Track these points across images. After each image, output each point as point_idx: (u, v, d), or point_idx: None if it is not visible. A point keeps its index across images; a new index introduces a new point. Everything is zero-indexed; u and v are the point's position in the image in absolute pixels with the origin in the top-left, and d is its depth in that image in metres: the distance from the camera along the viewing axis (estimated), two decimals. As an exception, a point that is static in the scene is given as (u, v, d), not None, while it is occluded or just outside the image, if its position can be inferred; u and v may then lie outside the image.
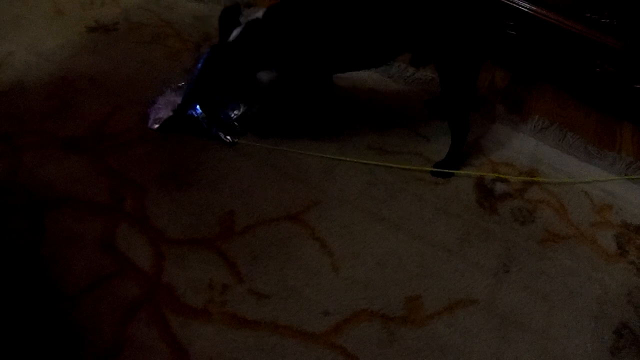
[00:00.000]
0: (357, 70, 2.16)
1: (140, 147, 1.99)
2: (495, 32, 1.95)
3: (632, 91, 2.30)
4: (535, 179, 2.09)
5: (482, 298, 1.76)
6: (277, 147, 2.03)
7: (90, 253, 1.71)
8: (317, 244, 1.80)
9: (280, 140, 2.06)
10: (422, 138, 2.16)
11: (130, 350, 1.53)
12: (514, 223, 1.95)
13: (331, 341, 1.61)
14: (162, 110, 2.05)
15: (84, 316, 1.58)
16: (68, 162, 1.92)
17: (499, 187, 2.05)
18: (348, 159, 2.03)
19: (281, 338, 1.60)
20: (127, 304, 1.61)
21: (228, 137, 2.03)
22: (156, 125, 2.03)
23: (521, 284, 1.81)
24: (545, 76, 2.49)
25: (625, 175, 2.17)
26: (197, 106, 2.01)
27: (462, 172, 2.06)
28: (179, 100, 2.05)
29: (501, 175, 2.07)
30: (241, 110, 2.03)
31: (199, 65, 2.01)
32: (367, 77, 2.33)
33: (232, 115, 2.03)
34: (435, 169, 2.04)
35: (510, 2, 2.32)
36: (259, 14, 1.86)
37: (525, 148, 2.20)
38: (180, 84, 2.10)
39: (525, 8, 2.31)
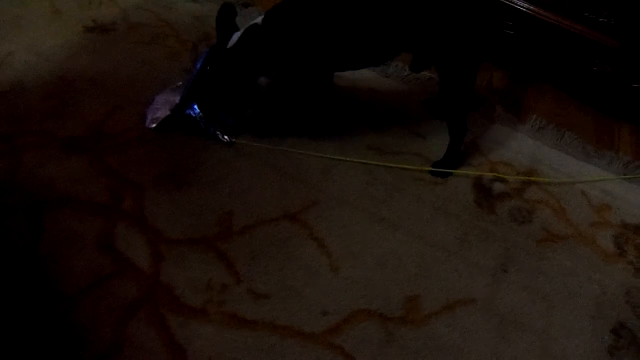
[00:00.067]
0: (357, 69, 2.16)
1: (139, 147, 1.99)
2: (493, 32, 1.95)
3: (630, 91, 2.30)
4: (533, 178, 2.09)
5: (480, 298, 1.76)
6: (276, 147, 2.04)
7: (90, 253, 1.71)
8: (316, 244, 1.81)
9: (279, 140, 2.06)
10: (421, 138, 2.17)
11: (129, 350, 1.53)
12: (512, 223, 1.96)
13: (330, 341, 1.61)
14: (160, 110, 2.05)
15: (83, 316, 1.58)
16: (67, 162, 1.92)
17: (498, 187, 2.05)
18: (347, 158, 2.03)
19: (280, 338, 1.60)
20: (126, 303, 1.62)
21: (226, 137, 2.03)
22: (154, 125, 2.03)
23: (520, 284, 1.81)
24: (544, 76, 2.49)
25: (624, 174, 2.17)
26: (195, 106, 2.01)
27: (460, 171, 2.07)
28: (176, 99, 2.05)
29: (499, 175, 2.08)
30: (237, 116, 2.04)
31: (198, 65, 2.02)
32: (366, 76, 2.33)
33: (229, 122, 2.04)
34: (434, 169, 2.04)
35: (509, 1, 2.32)
36: (258, 19, 1.86)
37: (524, 148, 2.20)
38: (178, 84, 2.10)
39: (524, 8, 2.31)
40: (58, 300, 1.60)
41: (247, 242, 1.78)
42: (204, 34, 2.40)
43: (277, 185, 1.94)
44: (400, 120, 2.21)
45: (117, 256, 1.71)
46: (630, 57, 2.22)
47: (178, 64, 2.28)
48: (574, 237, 1.95)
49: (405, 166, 2.04)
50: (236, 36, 1.87)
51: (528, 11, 2.31)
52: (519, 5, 2.31)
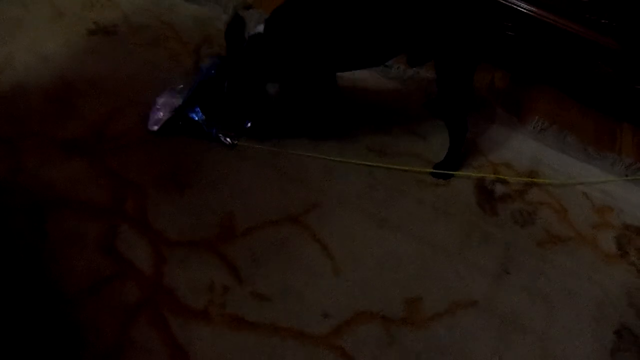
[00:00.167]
0: (358, 69, 2.16)
1: (140, 149, 1.99)
2: (490, 31, 1.95)
3: (632, 92, 2.30)
4: (535, 180, 2.09)
5: (482, 299, 1.76)
6: (277, 149, 2.03)
7: (91, 254, 1.71)
8: (318, 245, 1.81)
9: (280, 142, 2.06)
10: (422, 139, 2.16)
11: (130, 352, 1.53)
12: (514, 224, 1.96)
13: (331, 343, 1.61)
14: (162, 112, 2.05)
15: (85, 317, 1.59)
16: (68, 164, 1.92)
17: (499, 189, 2.05)
18: (348, 160, 2.03)
19: (281, 340, 1.60)
20: (128, 305, 1.62)
21: (228, 139, 2.03)
22: (155, 127, 2.03)
23: (521, 285, 1.81)
24: (545, 77, 2.49)
25: (626, 176, 2.17)
26: (198, 109, 2.01)
27: (462, 173, 2.07)
28: (178, 102, 2.05)
29: (501, 177, 2.07)
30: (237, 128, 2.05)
31: (203, 71, 2.03)
32: (367, 78, 2.33)
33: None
34: (435, 170, 2.04)
35: (509, 3, 2.32)
36: (260, 28, 1.86)
37: (525, 149, 2.20)
38: (179, 86, 2.10)
39: (524, 9, 2.31)
40: (59, 301, 1.61)
41: (248, 244, 1.78)
42: (206, 36, 2.40)
43: (279, 187, 1.94)
44: (400, 122, 2.21)
45: (119, 258, 1.71)
46: (632, 58, 2.22)
47: (179, 65, 2.28)
48: (575, 239, 1.95)
49: (407, 168, 2.04)
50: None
51: (529, 12, 2.30)
52: (520, 7, 2.31)
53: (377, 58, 1.99)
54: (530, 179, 2.08)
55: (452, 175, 2.05)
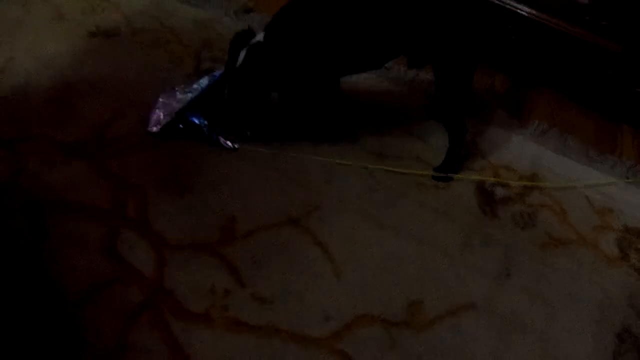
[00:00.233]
0: (358, 73, 2.16)
1: (141, 152, 1.99)
2: (489, 34, 1.95)
3: (632, 95, 2.30)
4: (536, 183, 2.09)
5: (483, 302, 1.76)
6: (278, 151, 2.04)
7: (92, 256, 1.71)
8: (319, 248, 1.81)
9: (281, 145, 2.06)
10: (422, 141, 2.16)
11: (132, 355, 1.53)
12: (515, 227, 1.96)
13: (333, 346, 1.61)
14: (162, 114, 2.05)
15: (86, 320, 1.59)
16: (69, 165, 1.92)
17: (500, 192, 2.05)
18: (348, 162, 2.03)
19: (283, 343, 1.60)
20: (129, 308, 1.62)
21: (229, 143, 2.03)
22: (155, 129, 2.03)
23: (522, 288, 1.81)
24: (546, 80, 2.49)
25: (627, 178, 2.17)
26: (199, 113, 2.01)
27: (462, 176, 2.07)
28: (179, 105, 2.05)
29: (502, 180, 2.07)
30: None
31: (205, 80, 2.05)
32: (367, 80, 2.33)
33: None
34: (435, 173, 2.04)
35: (510, 6, 2.33)
36: (259, 37, 1.86)
37: (526, 152, 2.20)
38: (181, 86, 2.10)
39: (525, 12, 2.31)
40: (60, 303, 1.61)
41: (250, 247, 1.78)
42: (206, 39, 2.40)
43: (279, 189, 1.95)
44: (401, 124, 2.21)
45: (119, 260, 1.71)
46: (632, 61, 2.22)
47: (180, 69, 2.28)
48: (576, 241, 1.95)
49: (407, 171, 2.04)
50: (242, 54, 1.87)
51: (530, 16, 2.31)
52: (520, 10, 2.32)
53: (377, 61, 1.99)
54: (531, 183, 2.08)
55: (452, 178, 2.05)
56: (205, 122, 2.01)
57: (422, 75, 2.36)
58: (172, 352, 1.55)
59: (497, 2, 2.32)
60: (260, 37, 1.86)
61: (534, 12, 2.31)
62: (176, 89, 2.08)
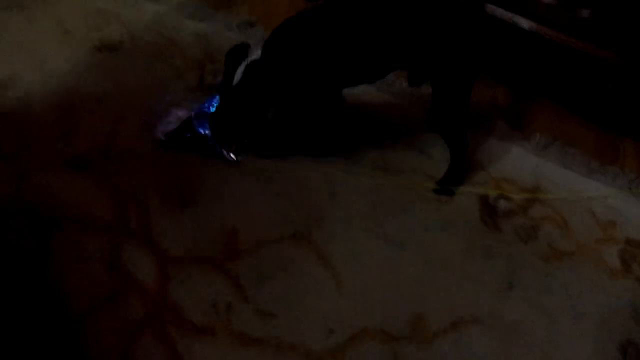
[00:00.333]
0: (356, 86, 2.16)
1: (145, 165, 2.00)
2: (487, 49, 1.96)
3: (633, 106, 2.31)
4: (538, 196, 2.09)
5: (486, 315, 1.76)
6: (281, 165, 2.04)
7: (96, 270, 1.72)
8: (322, 262, 1.81)
9: (283, 159, 2.07)
10: (425, 155, 2.16)
11: (135, 369, 1.54)
12: (517, 240, 1.96)
13: (336, 360, 1.62)
14: (170, 124, 2.07)
15: (90, 334, 1.59)
16: (73, 180, 1.93)
17: (502, 204, 2.05)
18: (351, 176, 2.04)
19: (286, 357, 1.60)
20: (133, 322, 1.62)
21: (232, 156, 2.04)
22: (162, 137, 2.05)
23: (525, 300, 1.81)
24: (547, 92, 2.49)
25: (629, 189, 2.17)
26: (206, 123, 2.03)
27: (465, 189, 2.07)
28: (187, 116, 2.07)
29: (504, 193, 2.07)
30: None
31: (211, 103, 2.06)
32: (369, 93, 2.33)
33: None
34: (438, 187, 2.05)
35: (511, 20, 2.34)
36: (257, 54, 1.86)
37: (528, 164, 2.20)
38: (191, 103, 2.12)
39: (526, 26, 2.32)
40: (64, 318, 1.61)
41: (253, 261, 1.78)
42: (209, 52, 2.41)
43: (282, 203, 1.95)
44: (403, 138, 2.21)
45: (123, 274, 1.72)
46: (633, 73, 2.23)
47: (184, 83, 2.29)
48: (579, 254, 1.95)
49: (410, 184, 2.05)
50: (240, 71, 1.88)
51: (531, 29, 2.32)
52: (520, 24, 2.32)
53: (374, 76, 2.00)
54: (533, 195, 2.09)
55: (454, 192, 2.05)
56: (209, 133, 2.03)
57: (423, 88, 2.36)
58: (175, 366, 1.56)
59: (498, 16, 2.33)
60: (257, 54, 1.87)
61: (534, 25, 2.31)
62: (184, 103, 2.11)
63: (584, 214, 2.07)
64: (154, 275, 1.72)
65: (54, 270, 1.70)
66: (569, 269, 1.91)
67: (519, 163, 2.21)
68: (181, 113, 2.09)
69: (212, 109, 2.04)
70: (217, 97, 2.04)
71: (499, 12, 2.33)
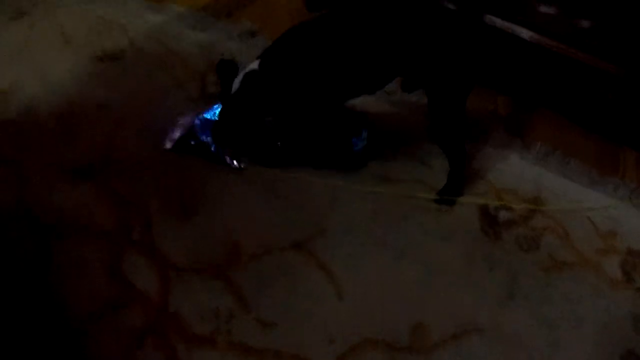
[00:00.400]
0: (354, 98, 2.17)
1: (147, 175, 2.01)
2: (482, 58, 1.96)
3: (634, 117, 2.31)
4: (539, 207, 2.09)
5: (487, 325, 1.76)
6: (283, 174, 2.05)
7: (97, 279, 1.73)
8: (323, 272, 1.81)
9: (285, 167, 2.07)
10: (425, 165, 2.17)
11: (136, 379, 1.54)
12: (518, 250, 1.96)
13: (337, 370, 1.61)
14: (178, 132, 2.09)
15: (92, 343, 1.60)
16: (75, 188, 1.94)
17: (503, 215, 2.05)
18: (352, 186, 2.04)
19: (287, 366, 1.60)
20: (135, 331, 1.62)
21: (235, 163, 2.05)
22: (169, 144, 2.07)
23: (526, 311, 1.81)
24: (548, 103, 2.50)
25: (629, 200, 2.17)
26: (208, 132, 2.04)
27: (465, 199, 2.07)
28: (193, 123, 2.09)
29: (505, 203, 2.08)
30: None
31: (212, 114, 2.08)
32: (369, 103, 2.33)
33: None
34: (438, 197, 2.05)
35: (511, 30, 2.34)
36: (255, 64, 1.87)
37: (529, 175, 2.20)
38: (193, 111, 2.13)
39: (526, 36, 2.33)
40: (66, 326, 1.61)
41: (254, 271, 1.79)
42: (211, 62, 2.41)
43: (284, 212, 1.95)
44: (404, 147, 2.22)
45: (125, 282, 1.72)
46: (634, 84, 2.23)
47: (185, 92, 2.30)
48: (580, 264, 1.95)
49: (410, 194, 2.05)
50: (238, 80, 1.89)
51: (531, 39, 2.32)
52: (521, 34, 2.33)
53: (374, 85, 2.01)
54: (535, 206, 2.09)
55: (455, 202, 2.06)
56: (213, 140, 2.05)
57: (424, 98, 2.37)
58: (176, 375, 1.56)
59: (497, 26, 2.33)
60: (255, 64, 1.87)
61: (535, 35, 2.32)
62: (194, 114, 2.12)
63: (584, 225, 2.07)
64: (156, 284, 1.72)
65: (55, 277, 1.70)
66: (570, 279, 1.91)
67: (520, 173, 2.21)
68: (186, 121, 2.10)
69: (216, 117, 2.06)
70: (220, 106, 2.05)
71: (499, 22, 2.34)
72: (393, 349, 1.67)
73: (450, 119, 1.93)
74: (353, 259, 1.86)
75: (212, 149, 2.05)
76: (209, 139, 2.04)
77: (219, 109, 2.05)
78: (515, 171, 2.20)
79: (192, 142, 2.06)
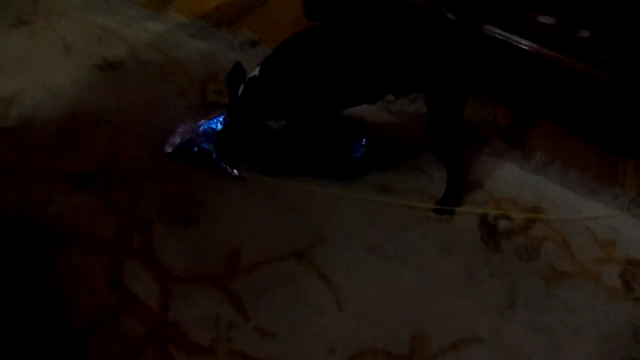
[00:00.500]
0: (354, 107, 2.17)
1: (147, 183, 2.01)
2: (479, 68, 1.97)
3: (634, 127, 2.32)
4: (538, 216, 2.09)
5: (487, 335, 1.75)
6: (283, 182, 2.05)
7: (97, 288, 1.72)
8: (322, 281, 1.81)
9: (285, 176, 2.07)
10: (425, 174, 2.17)
11: (136, 388, 1.54)
12: (518, 260, 1.96)
13: (337, 380, 1.61)
14: (179, 138, 2.09)
15: (91, 352, 1.59)
16: (76, 198, 1.94)
17: (503, 224, 2.05)
18: (352, 195, 2.04)
19: (286, 376, 1.60)
20: (134, 340, 1.62)
21: (235, 171, 2.05)
22: (170, 150, 2.08)
23: (526, 321, 1.81)
24: (547, 113, 2.51)
25: (628, 209, 2.17)
26: (210, 140, 2.05)
27: (465, 209, 2.07)
28: (195, 131, 2.10)
29: (504, 213, 2.08)
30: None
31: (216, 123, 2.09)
32: (369, 113, 2.34)
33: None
34: (438, 207, 2.05)
35: (511, 40, 2.35)
36: (256, 71, 1.89)
37: (528, 184, 2.20)
38: (195, 120, 2.14)
39: (526, 46, 2.34)
40: (66, 335, 1.61)
41: (254, 280, 1.79)
42: (211, 71, 2.43)
43: (284, 221, 1.96)
44: (404, 156, 2.22)
45: (125, 292, 1.72)
46: (633, 94, 2.24)
47: (185, 101, 2.30)
48: (580, 274, 1.95)
49: (410, 204, 2.05)
50: (241, 88, 1.92)
51: (530, 50, 2.33)
52: (520, 44, 2.34)
53: (373, 95, 2.02)
54: (535, 215, 2.09)
55: (454, 212, 2.06)
56: (214, 149, 2.05)
57: (424, 108, 2.38)
58: (176, 385, 1.55)
59: (497, 36, 2.34)
60: (256, 71, 1.90)
61: (535, 46, 2.33)
62: (197, 121, 2.13)
63: (584, 234, 2.07)
64: (155, 293, 1.72)
65: (55, 286, 1.70)
66: (570, 288, 1.90)
67: (519, 182, 2.21)
68: (188, 127, 2.11)
69: (219, 126, 2.07)
70: (224, 116, 2.07)
71: (498, 32, 2.35)
72: (393, 358, 1.67)
73: (448, 128, 1.94)
74: (353, 268, 1.86)
75: (213, 156, 2.05)
76: (210, 146, 2.05)
77: (223, 118, 2.07)
78: (514, 181, 2.21)
79: (194, 149, 2.07)
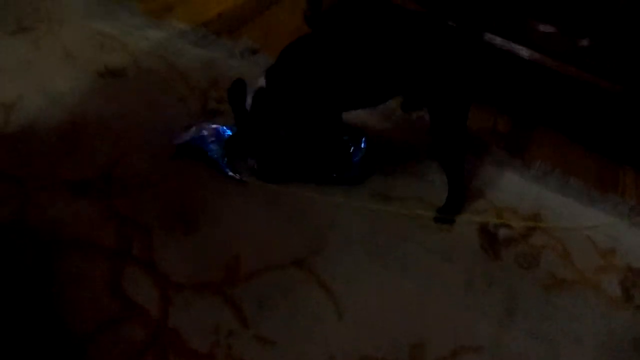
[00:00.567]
0: (357, 109, 2.18)
1: (147, 191, 2.01)
2: (481, 75, 1.97)
3: (634, 135, 2.32)
4: (539, 225, 2.09)
5: (486, 344, 1.75)
6: (284, 190, 2.05)
7: (98, 295, 1.71)
8: (322, 290, 1.81)
9: (287, 183, 2.08)
10: (426, 183, 2.17)
11: (136, 395, 1.53)
12: (518, 268, 1.96)
13: (336, 388, 1.61)
14: (188, 135, 2.12)
15: (91, 358, 1.58)
16: (77, 205, 1.93)
17: (503, 233, 2.06)
18: (353, 203, 2.04)
19: (286, 384, 1.60)
20: (134, 347, 1.61)
21: (237, 175, 2.06)
22: (178, 142, 2.10)
23: (526, 329, 1.80)
24: (548, 121, 2.51)
25: (629, 218, 2.18)
26: (216, 143, 2.08)
27: (465, 217, 2.07)
28: (206, 131, 2.12)
29: (505, 221, 2.08)
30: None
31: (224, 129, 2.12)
32: (370, 120, 2.35)
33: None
34: (438, 215, 2.05)
35: (511, 49, 2.36)
36: (261, 82, 1.91)
37: (528, 193, 2.21)
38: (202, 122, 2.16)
39: (526, 55, 2.35)
40: (66, 342, 1.60)
41: (254, 287, 1.78)
42: (213, 79, 2.44)
43: (284, 229, 1.96)
44: (404, 165, 2.23)
45: (125, 299, 1.71)
46: (632, 101, 2.25)
47: (186, 108, 2.31)
48: (580, 282, 1.95)
49: (410, 213, 2.05)
50: (249, 100, 1.94)
51: (530, 58, 2.34)
52: (520, 53, 2.35)
53: (375, 99, 2.03)
54: (535, 223, 2.09)
55: (454, 220, 2.06)
56: (222, 151, 2.08)
57: (426, 115, 2.38)
58: (176, 392, 1.55)
59: (497, 44, 2.35)
60: (262, 82, 1.91)
61: (534, 54, 2.34)
62: (210, 122, 2.16)
63: (584, 242, 2.08)
64: (156, 300, 1.72)
65: (55, 293, 1.70)
66: (570, 296, 1.91)
67: (519, 191, 2.22)
68: (200, 127, 2.13)
69: (228, 132, 2.10)
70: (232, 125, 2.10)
71: (499, 40, 2.36)
72: (393, 367, 1.67)
73: (452, 136, 1.94)
74: (353, 277, 1.85)
75: (215, 156, 2.07)
76: (215, 147, 2.07)
77: (231, 128, 2.10)
78: (515, 189, 2.21)
79: (203, 147, 2.09)
